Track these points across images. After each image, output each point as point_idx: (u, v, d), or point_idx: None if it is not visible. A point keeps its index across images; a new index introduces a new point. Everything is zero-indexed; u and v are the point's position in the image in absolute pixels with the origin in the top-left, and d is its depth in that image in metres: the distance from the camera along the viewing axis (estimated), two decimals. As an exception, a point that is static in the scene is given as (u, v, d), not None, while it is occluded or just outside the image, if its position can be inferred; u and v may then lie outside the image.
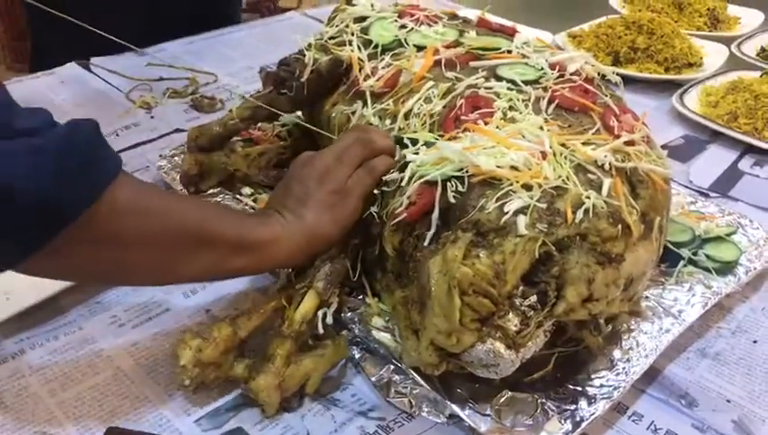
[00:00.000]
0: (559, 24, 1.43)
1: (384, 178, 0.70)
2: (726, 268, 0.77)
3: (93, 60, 1.23)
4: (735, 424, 0.64)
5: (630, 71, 1.27)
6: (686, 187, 0.97)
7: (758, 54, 1.36)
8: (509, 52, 0.84)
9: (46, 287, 0.71)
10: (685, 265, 0.77)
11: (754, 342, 0.73)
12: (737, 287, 0.76)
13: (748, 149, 1.07)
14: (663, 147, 1.06)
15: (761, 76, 1.17)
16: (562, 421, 0.60)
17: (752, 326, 0.75)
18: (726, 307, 0.77)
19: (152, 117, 1.09)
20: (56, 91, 1.15)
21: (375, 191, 0.70)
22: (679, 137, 1.11)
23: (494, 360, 0.58)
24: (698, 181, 0.99)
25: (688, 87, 1.21)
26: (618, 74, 1.24)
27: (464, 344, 0.58)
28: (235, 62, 1.28)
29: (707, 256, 0.78)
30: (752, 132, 1.08)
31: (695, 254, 0.78)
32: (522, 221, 0.60)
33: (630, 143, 0.70)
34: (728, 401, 0.66)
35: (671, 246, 0.78)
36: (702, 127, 1.12)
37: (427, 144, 0.70)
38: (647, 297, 0.73)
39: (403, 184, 0.67)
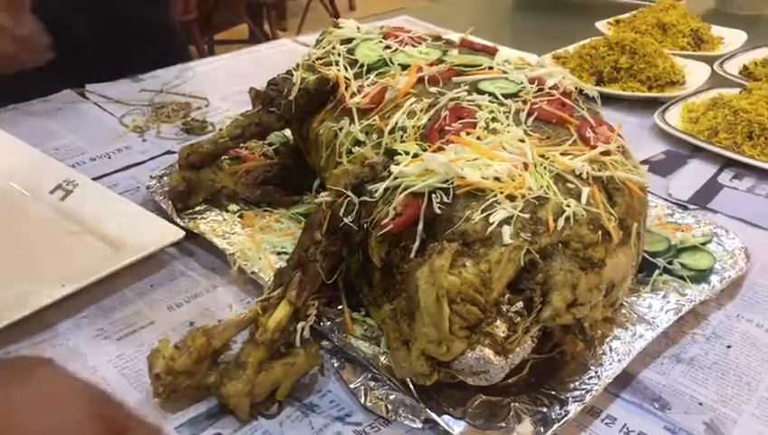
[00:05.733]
0: (545, 48, 1.46)
1: (366, 187, 0.72)
2: (701, 276, 0.79)
3: (88, 87, 1.26)
4: (707, 426, 0.65)
5: (614, 89, 1.29)
6: (666, 200, 0.98)
7: (740, 73, 1.38)
8: (490, 68, 0.87)
9: (34, 301, 0.73)
10: (660, 274, 0.79)
11: (728, 347, 0.74)
12: (711, 295, 0.77)
13: (728, 163, 1.09)
14: (644, 162, 1.10)
15: (740, 92, 1.20)
16: (534, 424, 0.62)
17: (726, 332, 0.76)
18: (702, 314, 0.78)
19: (144, 140, 1.12)
20: (52, 116, 1.17)
21: (354, 201, 0.71)
22: (660, 152, 1.13)
23: (484, 366, 0.59)
24: (677, 194, 1.00)
25: (670, 104, 1.23)
26: (601, 93, 1.28)
27: (454, 352, 0.59)
28: (226, 86, 1.31)
29: (682, 265, 0.80)
30: (731, 147, 1.10)
31: (670, 263, 0.80)
32: (507, 231, 0.61)
33: (606, 153, 0.72)
34: (700, 403, 0.67)
35: (647, 256, 0.80)
36: (683, 142, 1.14)
37: (415, 155, 0.72)
38: (621, 305, 0.74)
39: (387, 195, 0.69)
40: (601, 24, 1.62)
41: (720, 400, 0.68)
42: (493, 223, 0.61)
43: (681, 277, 0.78)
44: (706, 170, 1.08)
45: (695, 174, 1.07)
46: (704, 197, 1.00)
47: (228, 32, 4.01)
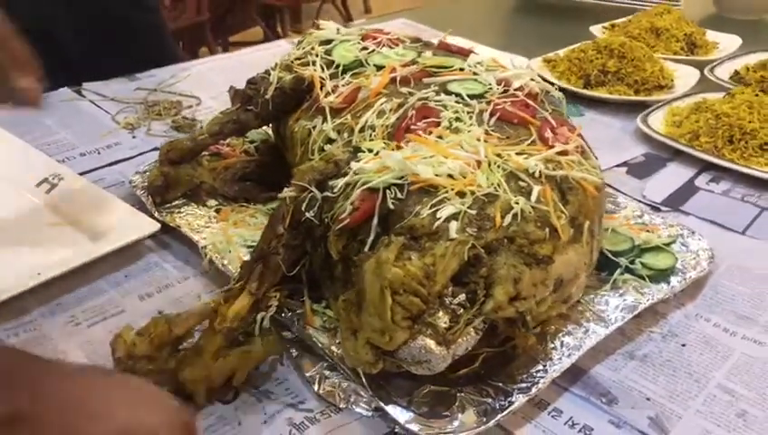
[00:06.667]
0: (542, 51, 1.47)
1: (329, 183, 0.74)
2: (660, 276, 0.80)
3: (85, 85, 1.30)
4: (651, 420, 0.66)
5: (601, 93, 1.31)
6: (639, 201, 0.99)
7: (731, 77, 1.39)
8: (461, 70, 0.89)
9: (9, 288, 0.76)
10: (621, 274, 0.80)
11: (683, 345, 0.75)
12: (669, 294, 0.78)
13: (707, 167, 1.10)
14: (623, 164, 1.11)
15: (723, 97, 1.20)
16: (478, 414, 0.63)
17: (683, 331, 0.77)
18: (661, 313, 0.79)
19: (134, 137, 1.15)
20: (46, 112, 1.21)
21: (317, 196, 0.74)
22: (640, 155, 1.14)
23: (426, 356, 0.61)
24: (651, 196, 1.01)
25: (655, 108, 1.24)
26: (587, 96, 1.29)
27: (396, 342, 0.61)
28: (219, 86, 1.33)
29: (643, 265, 0.81)
30: (711, 150, 1.11)
31: (632, 262, 0.81)
32: (453, 226, 0.64)
33: (564, 153, 0.74)
34: (648, 399, 0.69)
35: (609, 255, 0.81)
36: (665, 145, 1.15)
37: (377, 153, 0.74)
38: (578, 302, 0.76)
39: (347, 190, 0.71)
40: (596, 29, 1.63)
41: (668, 395, 0.69)
42: (440, 218, 0.63)
43: (641, 277, 0.80)
44: (684, 173, 1.09)
45: (672, 177, 1.08)
46: (678, 199, 1.01)
47: (243, 34, 4.06)
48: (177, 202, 0.92)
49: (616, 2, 1.86)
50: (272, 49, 1.57)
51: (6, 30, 0.80)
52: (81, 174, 1.00)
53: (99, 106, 1.25)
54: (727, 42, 1.59)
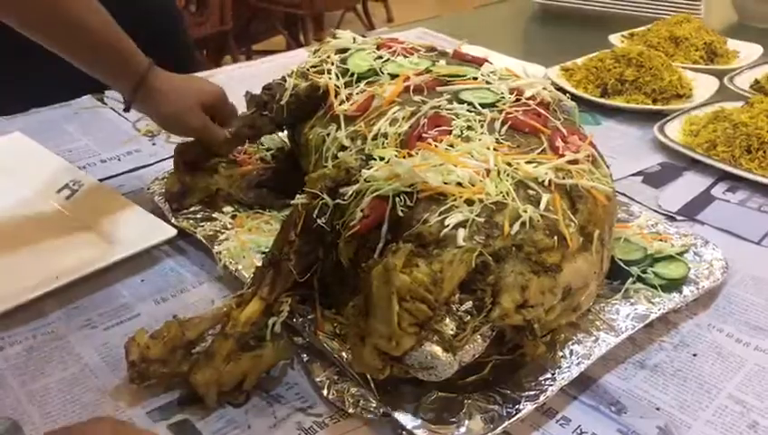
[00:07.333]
0: (560, 60, 1.47)
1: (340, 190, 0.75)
2: (672, 285, 0.80)
3: (107, 92, 1.33)
4: (660, 430, 0.66)
5: (618, 102, 1.30)
6: (655, 211, 0.99)
7: (751, 86, 1.37)
8: (475, 78, 0.90)
9: (29, 291, 0.78)
10: (633, 283, 0.80)
11: (694, 355, 0.75)
12: (681, 304, 0.78)
13: (724, 176, 1.09)
14: (639, 173, 1.11)
15: (742, 106, 1.19)
16: (485, 420, 0.64)
17: (694, 341, 0.77)
18: (672, 322, 0.79)
19: (154, 144, 1.17)
20: (69, 120, 1.24)
21: (329, 203, 0.75)
22: (656, 164, 1.14)
23: (432, 362, 0.62)
24: (667, 205, 1.01)
25: (672, 117, 1.24)
26: (604, 105, 1.29)
27: (403, 348, 0.61)
28: (240, 93, 1.35)
29: (655, 274, 0.80)
30: (728, 160, 1.10)
31: (644, 272, 0.81)
32: (461, 234, 0.64)
33: (574, 162, 0.75)
34: (657, 408, 0.68)
35: (622, 264, 0.81)
36: (681, 155, 1.14)
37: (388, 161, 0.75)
38: (589, 310, 0.76)
39: (358, 198, 0.72)
40: (615, 38, 1.62)
41: (678, 405, 0.69)
42: (448, 226, 0.64)
43: (653, 286, 0.79)
44: (701, 183, 1.08)
45: (688, 186, 1.07)
46: (693, 208, 1.01)
47: (266, 42, 4.10)
48: (193, 209, 0.94)
49: (635, 11, 1.85)
50: (292, 57, 1.58)
51: (222, 91, 1.01)
52: (101, 180, 1.03)
53: (120, 114, 1.27)
54: (748, 51, 1.58)
